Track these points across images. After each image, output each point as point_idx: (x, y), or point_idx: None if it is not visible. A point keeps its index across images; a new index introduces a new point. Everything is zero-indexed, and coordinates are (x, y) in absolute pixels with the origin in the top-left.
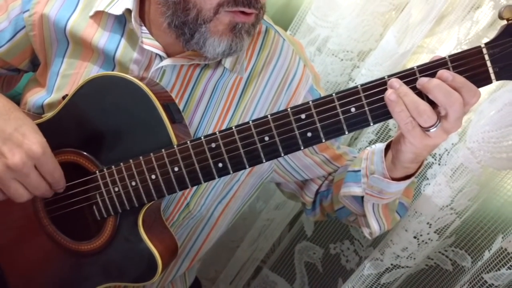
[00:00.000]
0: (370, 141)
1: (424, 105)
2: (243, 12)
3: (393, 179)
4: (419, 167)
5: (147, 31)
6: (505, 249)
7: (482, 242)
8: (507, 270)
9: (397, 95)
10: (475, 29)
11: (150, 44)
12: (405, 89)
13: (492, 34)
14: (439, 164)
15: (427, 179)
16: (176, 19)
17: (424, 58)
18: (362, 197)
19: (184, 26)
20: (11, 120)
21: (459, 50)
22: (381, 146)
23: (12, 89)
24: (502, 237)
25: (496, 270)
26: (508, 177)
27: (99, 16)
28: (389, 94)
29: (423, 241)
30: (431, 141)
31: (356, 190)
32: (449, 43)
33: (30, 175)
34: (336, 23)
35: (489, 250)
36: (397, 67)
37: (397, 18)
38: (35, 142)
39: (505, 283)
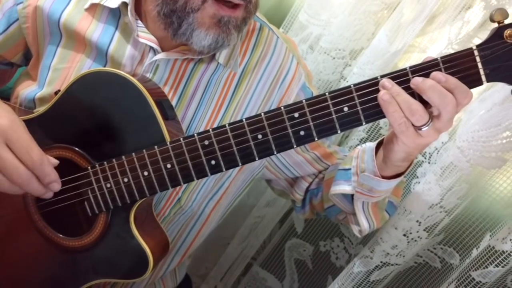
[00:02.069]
0: (361, 139)
1: (416, 104)
2: (229, 5)
3: (384, 177)
4: (409, 166)
5: (143, 25)
6: (493, 247)
7: (470, 240)
8: (494, 267)
9: (390, 95)
10: (466, 29)
11: (146, 37)
12: (397, 89)
13: (482, 34)
14: (429, 163)
15: (417, 177)
16: (165, 7)
17: (415, 57)
18: (352, 195)
19: (172, 14)
20: None
21: (450, 50)
22: (371, 144)
23: (5, 85)
24: (490, 235)
25: (484, 268)
26: (497, 176)
27: (93, 9)
28: (382, 95)
29: (412, 239)
30: (423, 140)
31: (346, 188)
32: (440, 43)
33: (1, 153)
34: (328, 21)
35: (477, 248)
36: (389, 66)
37: (389, 17)
38: (2, 115)
39: (492, 281)
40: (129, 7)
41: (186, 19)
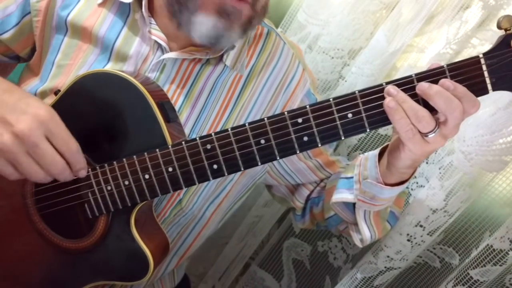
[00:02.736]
0: (359, 139)
1: (423, 111)
2: None
3: (387, 184)
4: (413, 173)
5: (155, 22)
6: (491, 246)
7: (470, 240)
8: (492, 266)
9: (396, 102)
10: (464, 29)
11: (157, 35)
12: (403, 95)
13: (481, 34)
14: (427, 163)
15: (415, 177)
16: None
17: (413, 57)
18: (354, 204)
19: (176, 3)
20: (15, 93)
21: (448, 50)
22: (374, 152)
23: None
24: (489, 235)
25: (482, 266)
26: (497, 177)
27: (104, 3)
28: (388, 102)
29: (416, 243)
30: (430, 146)
31: (348, 196)
32: (438, 43)
33: (39, 144)
34: (327, 21)
35: (476, 248)
36: (387, 66)
37: (388, 17)
38: (41, 107)
39: (490, 279)
40: (143, 2)
41: (188, 6)
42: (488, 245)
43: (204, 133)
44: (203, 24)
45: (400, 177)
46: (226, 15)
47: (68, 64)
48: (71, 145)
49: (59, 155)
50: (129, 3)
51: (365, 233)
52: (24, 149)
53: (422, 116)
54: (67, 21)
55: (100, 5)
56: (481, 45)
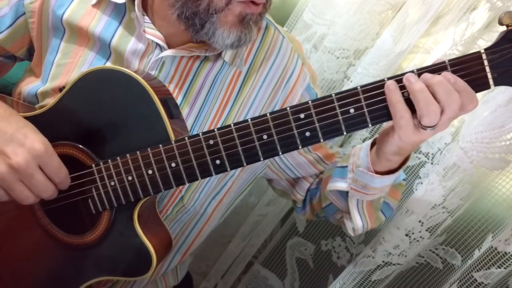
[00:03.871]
0: (364, 139)
1: (435, 105)
2: (253, 3)
3: (377, 172)
4: (403, 163)
5: (150, 21)
6: (495, 248)
7: (472, 241)
8: (497, 269)
9: (396, 85)
10: (470, 30)
11: (152, 33)
12: (420, 85)
13: (487, 36)
14: (431, 164)
15: (420, 178)
16: (187, 10)
17: (419, 58)
18: (348, 192)
19: (194, 17)
20: (12, 122)
21: (455, 51)
22: (368, 141)
23: (2, 77)
24: (492, 236)
25: (486, 269)
26: (500, 177)
27: (99, 4)
28: (389, 84)
29: (414, 239)
30: (418, 137)
31: (342, 185)
32: (444, 44)
33: (34, 175)
34: (333, 21)
35: (479, 249)
36: (393, 67)
37: (394, 17)
38: (37, 140)
39: (494, 282)
40: (136, 2)
41: (209, 19)
42: (492, 247)
43: (205, 130)
44: (228, 38)
45: (387, 165)
46: (246, 23)
47: (68, 63)
48: (62, 174)
49: (50, 182)
50: (124, 3)
51: (357, 222)
52: (17, 178)
53: (433, 110)
54: (63, 20)
55: (94, 6)
56: None
